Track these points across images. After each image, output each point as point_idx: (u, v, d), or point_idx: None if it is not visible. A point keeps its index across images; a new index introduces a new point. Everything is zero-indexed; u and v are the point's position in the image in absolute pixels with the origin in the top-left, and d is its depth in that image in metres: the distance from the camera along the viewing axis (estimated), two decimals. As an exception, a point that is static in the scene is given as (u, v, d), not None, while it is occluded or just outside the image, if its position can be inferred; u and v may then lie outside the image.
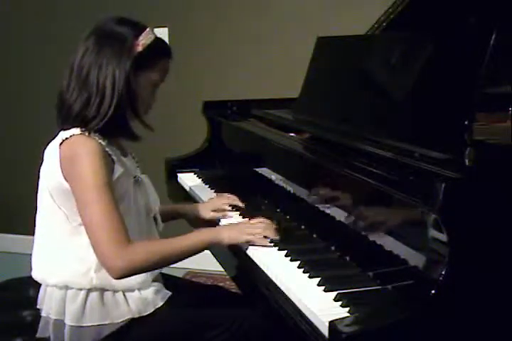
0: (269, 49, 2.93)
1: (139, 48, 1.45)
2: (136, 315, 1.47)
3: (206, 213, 1.76)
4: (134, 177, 1.52)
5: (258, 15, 2.94)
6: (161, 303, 1.50)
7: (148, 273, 1.48)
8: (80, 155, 1.39)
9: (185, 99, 3.08)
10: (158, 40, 1.49)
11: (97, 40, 1.45)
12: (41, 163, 1.50)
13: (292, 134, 1.79)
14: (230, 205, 1.78)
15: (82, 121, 1.43)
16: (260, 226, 1.51)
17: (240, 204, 1.78)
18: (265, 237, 1.50)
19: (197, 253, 1.46)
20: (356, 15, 2.61)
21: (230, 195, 1.82)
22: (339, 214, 1.47)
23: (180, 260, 1.44)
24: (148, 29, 1.48)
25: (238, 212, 1.76)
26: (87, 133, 1.42)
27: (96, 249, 1.38)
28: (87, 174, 1.38)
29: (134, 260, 1.37)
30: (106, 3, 2.99)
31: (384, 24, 2.02)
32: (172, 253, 1.42)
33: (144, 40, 1.46)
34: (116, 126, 1.45)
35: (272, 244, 1.49)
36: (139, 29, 1.47)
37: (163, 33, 3.10)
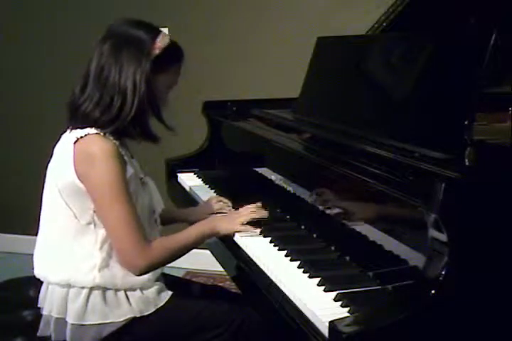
0: (269, 49, 2.93)
1: (157, 51, 1.46)
2: (138, 314, 1.47)
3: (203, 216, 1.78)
4: (141, 178, 1.54)
5: (258, 16, 2.94)
6: (162, 303, 1.51)
7: (151, 274, 1.49)
8: (98, 156, 1.39)
9: (185, 99, 3.07)
10: (173, 44, 1.51)
11: (113, 43, 1.45)
12: (49, 160, 1.49)
13: (292, 134, 1.79)
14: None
15: (101, 122, 1.43)
16: (248, 213, 1.59)
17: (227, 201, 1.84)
18: (256, 225, 1.58)
19: (200, 244, 1.56)
20: (356, 15, 2.61)
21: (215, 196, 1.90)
22: (339, 214, 1.47)
23: (188, 251, 1.53)
24: (163, 32, 1.50)
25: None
26: (102, 133, 1.42)
27: (118, 251, 1.43)
28: (106, 176, 1.39)
29: (154, 257, 1.44)
30: (106, 4, 2.99)
31: (384, 24, 2.02)
32: (182, 247, 1.50)
33: (160, 43, 1.47)
34: (136, 128, 1.46)
35: (259, 231, 1.57)
36: (155, 32, 1.48)
37: (163, 33, 3.10)
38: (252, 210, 1.61)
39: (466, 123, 1.29)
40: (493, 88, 1.49)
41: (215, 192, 2.00)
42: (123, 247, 1.42)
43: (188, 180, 2.18)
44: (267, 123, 1.99)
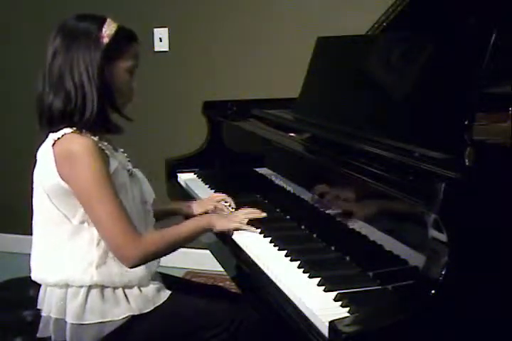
0: (269, 49, 2.93)
1: (106, 39, 1.46)
2: (137, 312, 1.48)
3: (199, 210, 1.80)
4: (128, 170, 1.54)
5: (258, 16, 2.94)
6: (160, 302, 1.51)
7: (146, 269, 1.50)
8: (77, 154, 1.39)
9: (185, 99, 3.08)
10: (121, 28, 1.50)
11: (63, 39, 1.46)
12: (34, 167, 1.50)
13: (292, 134, 1.79)
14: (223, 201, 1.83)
15: (71, 120, 1.43)
16: (245, 212, 1.62)
17: (231, 201, 1.81)
18: (252, 224, 1.59)
19: (195, 239, 1.56)
20: (356, 15, 2.61)
21: (219, 194, 1.88)
22: (339, 214, 1.48)
23: (182, 246, 1.53)
24: (108, 19, 1.49)
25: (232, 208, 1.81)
26: (78, 131, 1.42)
27: (110, 244, 1.43)
28: (87, 173, 1.38)
29: (145, 248, 1.44)
30: (106, 4, 3.00)
31: (384, 24, 2.02)
32: (176, 240, 1.51)
33: (108, 31, 1.47)
34: (99, 119, 1.45)
35: (258, 230, 1.58)
36: (100, 21, 1.48)
37: (163, 33, 3.10)
38: (251, 211, 1.62)
39: (466, 123, 1.29)
40: (493, 88, 1.49)
41: (215, 192, 2.00)
42: (113, 240, 1.42)
43: (188, 180, 2.18)
44: (267, 123, 1.98)
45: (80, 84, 1.43)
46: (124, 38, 1.50)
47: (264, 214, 1.62)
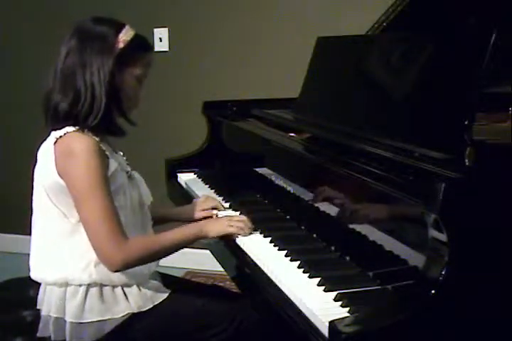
0: (269, 49, 2.93)
1: (121, 45, 1.47)
2: (136, 310, 1.48)
3: (197, 214, 1.79)
4: (127, 172, 1.55)
5: (258, 16, 2.94)
6: (159, 300, 1.52)
7: (145, 268, 1.50)
8: (77, 152, 1.40)
9: (185, 99, 3.08)
10: (137, 36, 1.51)
11: (78, 41, 1.46)
12: (35, 164, 1.50)
13: (292, 134, 1.79)
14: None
15: (75, 120, 1.44)
16: (239, 219, 1.59)
17: (222, 206, 1.82)
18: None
19: (185, 247, 1.52)
20: (356, 15, 2.61)
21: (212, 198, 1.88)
22: (339, 214, 1.48)
23: (171, 253, 1.50)
24: (127, 26, 1.50)
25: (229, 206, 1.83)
26: (81, 131, 1.43)
27: (95, 244, 1.42)
28: (83, 172, 1.39)
29: (131, 254, 1.42)
30: (106, 4, 3.00)
31: (384, 24, 2.02)
32: (164, 247, 1.48)
33: (124, 37, 1.47)
34: (104, 122, 1.45)
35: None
36: (118, 27, 1.49)
37: (163, 33, 3.10)
38: (244, 218, 1.60)
39: (466, 123, 1.29)
40: (493, 88, 1.49)
41: (214, 192, 2.00)
42: (97, 241, 1.41)
43: (188, 180, 2.18)
44: (267, 123, 1.99)
45: (91, 84, 1.43)
46: (139, 46, 1.51)
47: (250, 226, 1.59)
